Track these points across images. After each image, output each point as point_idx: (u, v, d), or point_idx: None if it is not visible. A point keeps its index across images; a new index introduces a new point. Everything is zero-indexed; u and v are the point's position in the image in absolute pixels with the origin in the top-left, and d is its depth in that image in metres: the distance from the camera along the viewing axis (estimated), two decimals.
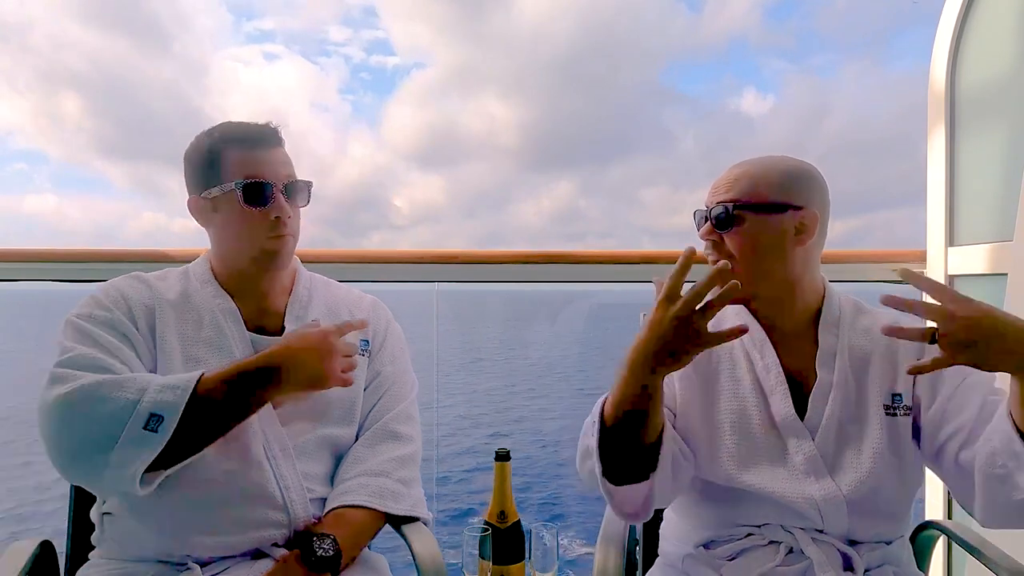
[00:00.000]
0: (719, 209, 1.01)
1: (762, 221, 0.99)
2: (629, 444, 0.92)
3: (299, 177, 1.09)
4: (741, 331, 0.85)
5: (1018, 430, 0.84)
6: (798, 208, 0.99)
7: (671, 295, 0.86)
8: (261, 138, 1.06)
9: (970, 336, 0.79)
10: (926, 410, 0.98)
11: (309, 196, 1.12)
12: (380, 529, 1.07)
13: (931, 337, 0.82)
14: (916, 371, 0.85)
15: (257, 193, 1.03)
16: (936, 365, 0.83)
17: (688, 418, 1.06)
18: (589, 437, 0.95)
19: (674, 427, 1.05)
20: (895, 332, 0.86)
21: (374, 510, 1.03)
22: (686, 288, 0.87)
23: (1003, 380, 0.86)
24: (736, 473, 1.00)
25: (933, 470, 1.00)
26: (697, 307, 0.84)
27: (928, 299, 0.85)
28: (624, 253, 1.85)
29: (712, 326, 1.10)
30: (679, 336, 0.84)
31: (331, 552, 0.95)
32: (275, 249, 1.06)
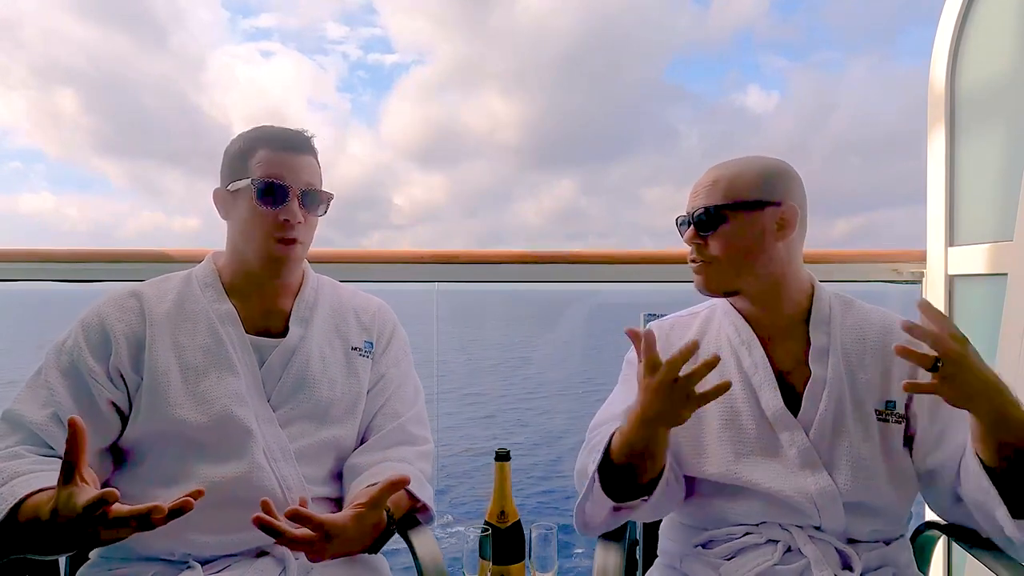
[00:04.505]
0: (700, 213, 1.03)
1: (743, 219, 1.01)
2: (628, 479, 0.97)
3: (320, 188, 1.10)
4: (726, 387, 0.87)
5: (984, 465, 0.89)
6: (777, 204, 1.01)
7: (652, 365, 0.88)
8: (290, 142, 1.07)
9: (960, 375, 0.83)
10: (920, 431, 1.00)
11: (327, 207, 1.12)
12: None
13: (933, 365, 0.84)
14: (910, 389, 0.87)
15: (272, 193, 1.04)
16: (925, 389, 0.86)
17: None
18: (587, 459, 1.02)
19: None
20: (904, 354, 0.86)
21: (407, 491, 1.04)
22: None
23: None
24: (730, 467, 1.01)
25: (925, 497, 1.03)
26: (681, 374, 0.86)
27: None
28: (624, 253, 1.85)
29: (700, 330, 1.12)
30: (668, 402, 0.88)
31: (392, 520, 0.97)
32: (281, 256, 1.06)
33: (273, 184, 1.04)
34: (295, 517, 0.83)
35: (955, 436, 0.97)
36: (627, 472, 0.97)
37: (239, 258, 1.09)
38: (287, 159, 1.06)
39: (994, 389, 0.85)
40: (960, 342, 0.84)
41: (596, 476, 0.98)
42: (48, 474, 0.89)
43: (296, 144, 1.08)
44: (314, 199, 1.09)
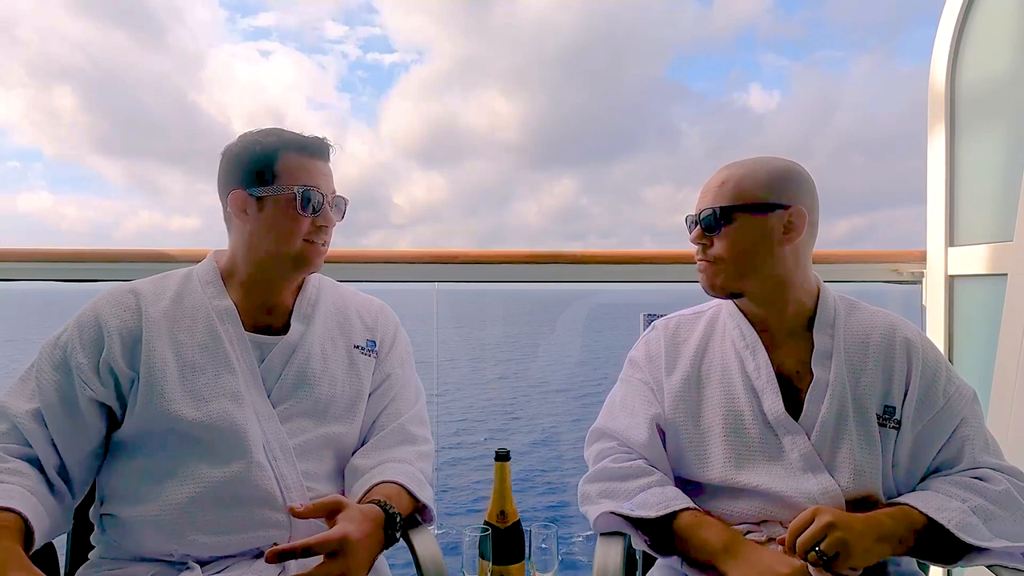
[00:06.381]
0: (707, 213, 1.04)
1: (750, 221, 1.01)
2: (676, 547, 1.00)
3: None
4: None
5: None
6: (785, 207, 1.01)
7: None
8: (318, 149, 1.10)
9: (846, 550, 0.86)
10: (900, 437, 1.00)
11: (344, 213, 1.15)
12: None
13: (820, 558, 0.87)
14: None
15: (312, 201, 1.06)
16: None
17: (678, 426, 1.07)
18: (600, 502, 1.04)
19: (664, 446, 1.09)
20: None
21: (407, 492, 1.04)
22: None
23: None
24: (732, 473, 1.02)
25: None
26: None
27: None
28: (625, 253, 1.85)
29: (705, 332, 1.12)
30: None
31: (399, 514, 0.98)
32: (311, 257, 1.09)
33: (314, 192, 1.06)
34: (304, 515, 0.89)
35: (924, 455, 1.00)
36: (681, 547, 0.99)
37: (254, 257, 1.09)
38: (319, 166, 1.09)
39: (878, 533, 0.88)
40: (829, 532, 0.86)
41: (637, 529, 1.02)
42: (13, 489, 0.89)
43: (323, 151, 1.10)
44: (340, 205, 1.13)
